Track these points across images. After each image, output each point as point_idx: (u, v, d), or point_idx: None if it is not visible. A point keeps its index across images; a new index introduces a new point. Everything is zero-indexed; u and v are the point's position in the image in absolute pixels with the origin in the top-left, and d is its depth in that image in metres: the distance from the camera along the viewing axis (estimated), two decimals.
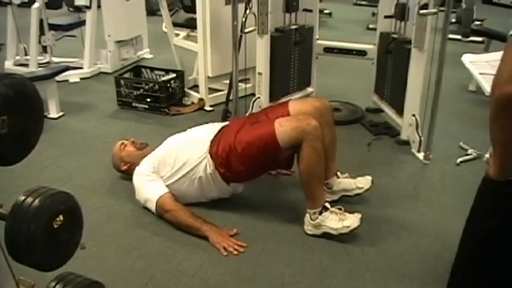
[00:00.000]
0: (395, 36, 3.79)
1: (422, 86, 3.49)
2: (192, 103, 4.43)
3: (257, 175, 2.89)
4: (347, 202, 2.86)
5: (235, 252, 2.54)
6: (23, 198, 1.33)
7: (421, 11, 3.21)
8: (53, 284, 1.49)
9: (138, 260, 2.52)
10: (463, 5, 6.54)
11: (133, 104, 4.34)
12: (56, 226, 1.34)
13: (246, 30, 3.53)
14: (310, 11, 4.16)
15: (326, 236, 2.63)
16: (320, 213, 2.62)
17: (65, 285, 1.47)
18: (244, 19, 3.52)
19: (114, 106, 4.40)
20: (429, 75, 3.31)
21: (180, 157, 2.83)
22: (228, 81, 4.09)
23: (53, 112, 4.15)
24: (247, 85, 4.08)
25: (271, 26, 3.74)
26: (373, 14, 7.20)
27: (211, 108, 4.35)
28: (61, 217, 1.35)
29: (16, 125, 1.25)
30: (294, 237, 2.67)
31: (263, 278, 2.39)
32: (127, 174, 3.11)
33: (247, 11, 3.52)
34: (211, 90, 4.45)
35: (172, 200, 2.79)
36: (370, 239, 2.65)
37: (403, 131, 3.69)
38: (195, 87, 4.64)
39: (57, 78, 4.30)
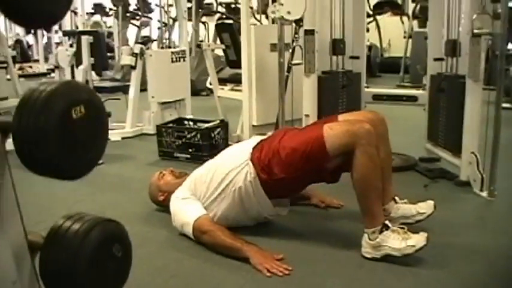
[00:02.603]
0: (447, 74, 3.61)
1: (480, 121, 3.23)
2: None
3: (298, 187, 2.64)
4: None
5: (280, 274, 2.23)
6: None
7: (475, 31, 3.04)
8: (62, 220, 1.28)
9: (172, 279, 2.25)
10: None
11: (175, 154, 4.19)
12: None
13: (293, 62, 3.42)
14: (357, 57, 4.04)
15: (387, 259, 2.30)
16: (380, 232, 2.31)
17: (76, 221, 1.26)
18: (291, 51, 3.42)
19: (155, 157, 4.27)
20: (487, 110, 3.08)
21: (218, 172, 2.60)
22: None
23: None
24: None
25: (318, 69, 3.61)
26: None
27: None
28: None
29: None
30: (350, 260, 2.35)
31: None
32: (163, 206, 2.89)
33: (294, 43, 3.42)
34: None
35: (210, 221, 2.54)
36: (438, 261, 2.31)
37: (463, 171, 3.36)
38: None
39: None
